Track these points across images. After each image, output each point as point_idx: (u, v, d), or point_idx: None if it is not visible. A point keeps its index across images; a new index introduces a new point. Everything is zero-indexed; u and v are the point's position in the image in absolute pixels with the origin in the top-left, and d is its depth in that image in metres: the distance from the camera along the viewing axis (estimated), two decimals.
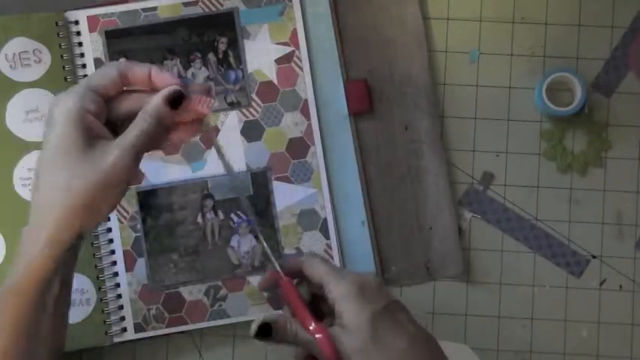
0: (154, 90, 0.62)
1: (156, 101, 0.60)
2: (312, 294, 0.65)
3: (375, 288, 0.61)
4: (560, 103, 0.81)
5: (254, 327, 0.60)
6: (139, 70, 0.62)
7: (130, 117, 0.61)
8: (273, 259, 0.66)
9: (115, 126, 0.62)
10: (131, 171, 0.59)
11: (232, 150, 0.81)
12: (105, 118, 0.61)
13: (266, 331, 0.61)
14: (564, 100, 0.82)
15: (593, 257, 0.82)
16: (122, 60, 0.63)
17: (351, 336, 0.59)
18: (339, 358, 0.59)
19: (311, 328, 0.61)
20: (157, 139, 0.61)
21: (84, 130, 0.59)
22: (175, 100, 0.60)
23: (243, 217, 0.81)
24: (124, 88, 0.63)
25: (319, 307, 0.65)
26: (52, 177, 0.59)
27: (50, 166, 0.59)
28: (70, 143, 0.58)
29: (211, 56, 0.81)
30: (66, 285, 0.61)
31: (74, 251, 0.61)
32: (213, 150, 0.81)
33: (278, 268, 0.65)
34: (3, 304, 0.59)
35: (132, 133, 0.59)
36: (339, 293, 0.60)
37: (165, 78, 0.62)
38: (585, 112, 0.82)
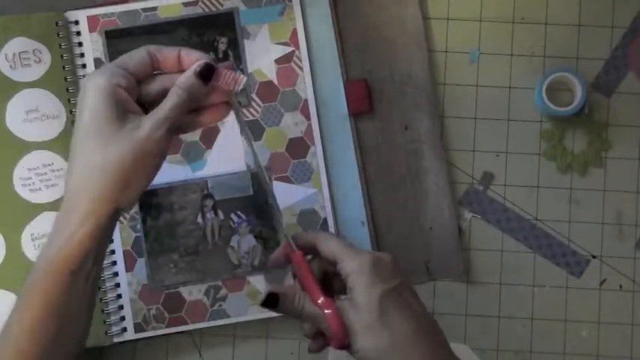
0: (182, 71, 0.62)
1: (187, 75, 0.61)
2: (324, 272, 0.64)
3: (389, 266, 0.60)
4: (560, 103, 0.81)
5: (262, 296, 0.61)
6: (168, 52, 0.62)
7: (160, 97, 0.61)
8: (287, 232, 0.65)
9: (145, 108, 0.62)
10: (164, 144, 0.59)
11: (232, 150, 0.81)
12: (136, 96, 0.62)
13: (273, 302, 0.60)
14: (564, 100, 0.82)
15: (593, 257, 0.82)
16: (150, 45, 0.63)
17: (359, 312, 0.59)
18: (346, 334, 0.59)
19: (320, 302, 0.60)
20: (188, 119, 0.62)
21: (116, 105, 0.59)
22: (206, 73, 0.61)
23: (243, 216, 0.81)
24: (154, 72, 0.63)
25: (330, 285, 0.64)
26: (86, 156, 0.59)
27: (84, 145, 0.59)
28: (102, 119, 0.58)
29: (211, 56, 0.81)
30: (98, 265, 0.61)
31: (108, 231, 0.61)
32: (213, 150, 0.81)
33: (291, 242, 0.64)
34: (34, 282, 0.59)
35: (165, 105, 0.60)
36: (352, 268, 0.60)
37: (194, 56, 0.62)
38: (585, 112, 0.82)
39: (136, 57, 0.62)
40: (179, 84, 0.61)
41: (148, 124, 0.59)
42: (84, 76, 0.80)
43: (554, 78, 0.80)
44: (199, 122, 0.64)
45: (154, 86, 0.63)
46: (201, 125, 0.64)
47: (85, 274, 0.59)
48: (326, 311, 0.59)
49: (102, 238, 0.60)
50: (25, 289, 0.59)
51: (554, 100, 0.80)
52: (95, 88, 0.59)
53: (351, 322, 0.59)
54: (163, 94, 0.61)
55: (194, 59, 0.62)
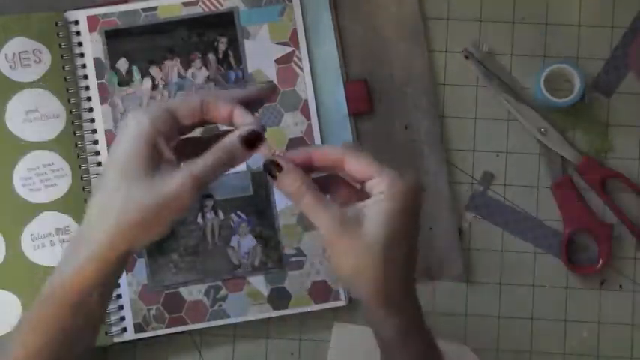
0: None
1: (232, 139, 0.59)
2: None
3: (415, 190, 0.59)
4: (559, 98, 0.81)
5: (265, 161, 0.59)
6: (223, 106, 0.60)
7: (201, 146, 0.60)
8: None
9: (183, 152, 0.61)
10: (190, 202, 0.57)
11: None
12: (175, 143, 0.60)
13: (272, 170, 0.59)
14: (564, 95, 0.81)
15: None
16: (209, 90, 0.61)
17: (365, 231, 0.57)
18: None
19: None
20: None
21: (152, 152, 0.57)
22: (252, 142, 0.59)
23: (243, 216, 0.81)
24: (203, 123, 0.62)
25: None
26: (109, 194, 0.57)
27: (110, 182, 0.57)
28: (134, 162, 0.57)
29: (211, 56, 0.81)
30: (102, 306, 0.61)
31: (117, 271, 0.60)
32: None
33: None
34: (36, 311, 0.59)
35: (200, 163, 0.58)
36: (384, 187, 0.58)
37: (246, 119, 0.60)
38: (585, 101, 0.82)
39: (188, 105, 0.60)
40: (221, 145, 0.59)
41: (177, 181, 0.57)
42: (84, 76, 0.80)
43: (553, 70, 0.80)
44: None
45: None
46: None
47: (86, 310, 0.58)
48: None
49: (108, 278, 0.59)
50: (27, 316, 0.59)
51: (555, 96, 0.80)
52: (136, 128, 0.57)
53: (350, 233, 0.57)
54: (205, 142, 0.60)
55: (245, 122, 0.60)
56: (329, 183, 0.63)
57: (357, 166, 0.59)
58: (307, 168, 0.60)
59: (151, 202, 0.56)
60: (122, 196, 0.57)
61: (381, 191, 0.58)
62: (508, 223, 0.82)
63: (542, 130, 0.81)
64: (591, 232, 0.81)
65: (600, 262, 0.80)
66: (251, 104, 0.62)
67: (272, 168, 0.59)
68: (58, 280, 0.58)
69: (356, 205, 0.58)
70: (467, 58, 0.82)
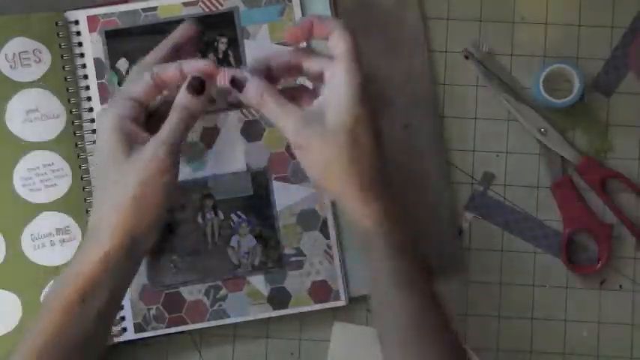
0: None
1: (180, 96, 0.63)
2: None
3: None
4: (559, 98, 0.81)
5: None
6: (170, 69, 0.63)
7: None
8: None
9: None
10: (168, 163, 0.61)
11: (232, 150, 0.81)
12: (143, 121, 0.64)
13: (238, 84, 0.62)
14: (563, 96, 0.81)
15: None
16: (155, 65, 0.64)
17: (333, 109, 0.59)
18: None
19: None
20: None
21: (124, 136, 0.61)
22: (198, 87, 0.62)
23: (243, 216, 0.81)
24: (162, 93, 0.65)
25: None
26: (99, 192, 0.62)
27: (99, 181, 0.63)
28: (110, 155, 0.61)
29: (211, 56, 0.81)
30: (112, 304, 0.61)
31: (125, 265, 0.61)
32: (213, 150, 0.81)
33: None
34: (46, 307, 0.59)
35: (165, 128, 0.62)
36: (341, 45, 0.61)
37: (193, 66, 0.63)
38: (585, 101, 0.82)
39: (139, 84, 0.63)
40: (176, 104, 0.62)
41: (148, 149, 0.60)
42: (84, 76, 0.80)
43: (552, 70, 0.80)
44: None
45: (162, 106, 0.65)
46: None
47: (96, 307, 0.59)
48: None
49: (116, 271, 0.60)
50: (39, 313, 0.60)
51: (555, 95, 0.80)
52: (102, 125, 0.62)
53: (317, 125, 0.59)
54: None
55: (194, 69, 0.63)
56: (293, 94, 0.65)
57: (310, 61, 0.63)
58: (270, 77, 0.64)
59: (133, 178, 0.60)
60: (110, 187, 0.60)
61: (341, 50, 0.60)
62: (508, 222, 0.82)
63: (542, 130, 0.81)
64: (591, 232, 0.81)
65: (600, 262, 0.80)
66: (183, 47, 0.68)
67: (237, 83, 0.62)
68: (67, 272, 0.60)
69: (317, 100, 0.61)
70: (467, 58, 0.82)
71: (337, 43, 0.61)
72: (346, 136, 0.58)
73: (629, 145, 0.82)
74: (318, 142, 0.59)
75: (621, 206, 0.81)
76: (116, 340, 0.79)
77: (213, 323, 0.80)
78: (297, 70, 0.65)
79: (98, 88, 0.81)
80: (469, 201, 0.82)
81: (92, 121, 0.80)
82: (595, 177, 0.81)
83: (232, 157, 0.81)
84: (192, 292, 0.80)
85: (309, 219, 0.81)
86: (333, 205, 0.81)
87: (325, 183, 0.61)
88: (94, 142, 0.76)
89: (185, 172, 0.80)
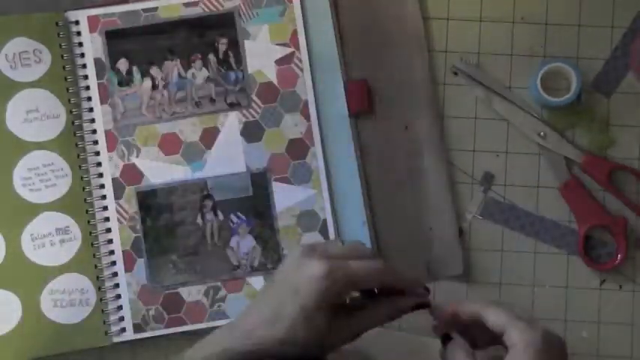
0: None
1: (406, 303, 0.63)
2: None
3: (558, 351, 0.58)
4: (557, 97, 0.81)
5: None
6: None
7: None
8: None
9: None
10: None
11: (232, 150, 0.81)
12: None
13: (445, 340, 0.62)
14: (561, 96, 0.81)
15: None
16: (385, 266, 0.62)
17: None
18: None
19: None
20: None
21: (318, 309, 0.58)
22: (418, 308, 0.63)
23: (243, 217, 0.81)
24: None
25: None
26: (259, 310, 0.61)
27: (286, 304, 0.59)
28: (302, 308, 0.58)
29: (212, 57, 0.81)
30: None
31: None
32: (213, 150, 0.81)
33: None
34: None
35: (364, 322, 0.62)
36: (519, 342, 0.57)
37: (417, 289, 0.64)
38: (582, 100, 0.81)
39: (369, 276, 0.61)
40: (393, 303, 0.63)
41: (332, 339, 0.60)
42: (84, 76, 0.80)
43: (551, 69, 0.80)
44: None
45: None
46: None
47: None
48: None
49: None
50: None
51: (554, 95, 0.80)
52: (311, 284, 0.58)
53: None
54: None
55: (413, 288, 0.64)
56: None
57: (490, 321, 0.60)
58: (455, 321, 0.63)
59: (303, 334, 0.58)
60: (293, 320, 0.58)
61: (513, 344, 0.57)
62: (508, 222, 0.82)
63: (542, 134, 0.81)
64: (607, 227, 0.81)
65: (619, 256, 0.80)
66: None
67: (445, 339, 0.61)
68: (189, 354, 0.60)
69: None
70: (456, 74, 0.82)
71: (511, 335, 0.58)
72: None
73: (630, 145, 0.82)
74: None
75: (630, 197, 0.81)
76: (115, 340, 0.79)
77: (212, 324, 0.80)
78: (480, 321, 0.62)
79: (98, 89, 0.81)
80: (469, 201, 0.82)
81: (92, 121, 0.81)
82: (601, 171, 0.81)
83: (232, 157, 0.81)
84: (191, 293, 0.80)
85: (308, 220, 0.81)
86: (333, 205, 0.81)
87: None
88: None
89: (185, 173, 0.81)
